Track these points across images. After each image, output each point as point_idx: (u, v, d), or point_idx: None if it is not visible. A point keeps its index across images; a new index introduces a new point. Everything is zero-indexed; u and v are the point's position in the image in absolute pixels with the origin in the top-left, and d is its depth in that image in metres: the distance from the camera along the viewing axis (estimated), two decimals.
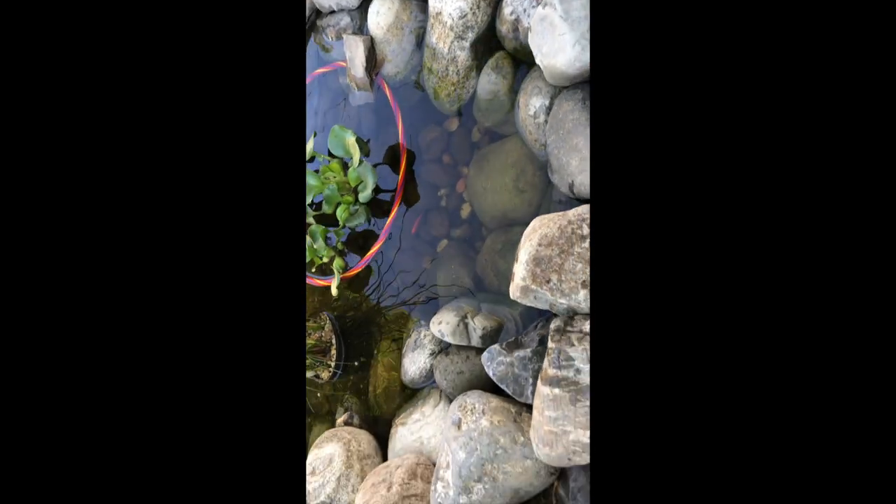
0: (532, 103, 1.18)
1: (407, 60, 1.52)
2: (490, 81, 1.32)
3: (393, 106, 1.55)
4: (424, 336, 1.44)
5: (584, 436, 0.88)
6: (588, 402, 0.88)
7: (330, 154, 1.67)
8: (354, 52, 1.52)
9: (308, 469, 1.48)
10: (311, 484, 1.44)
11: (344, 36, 1.58)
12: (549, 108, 1.14)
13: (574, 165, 1.03)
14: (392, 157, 1.61)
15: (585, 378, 0.89)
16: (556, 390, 0.91)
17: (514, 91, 1.30)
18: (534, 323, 1.23)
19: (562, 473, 1.08)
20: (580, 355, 0.90)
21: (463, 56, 1.33)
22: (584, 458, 0.90)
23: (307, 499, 1.41)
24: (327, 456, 1.47)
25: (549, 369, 0.94)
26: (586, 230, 0.97)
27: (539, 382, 0.96)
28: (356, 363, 1.66)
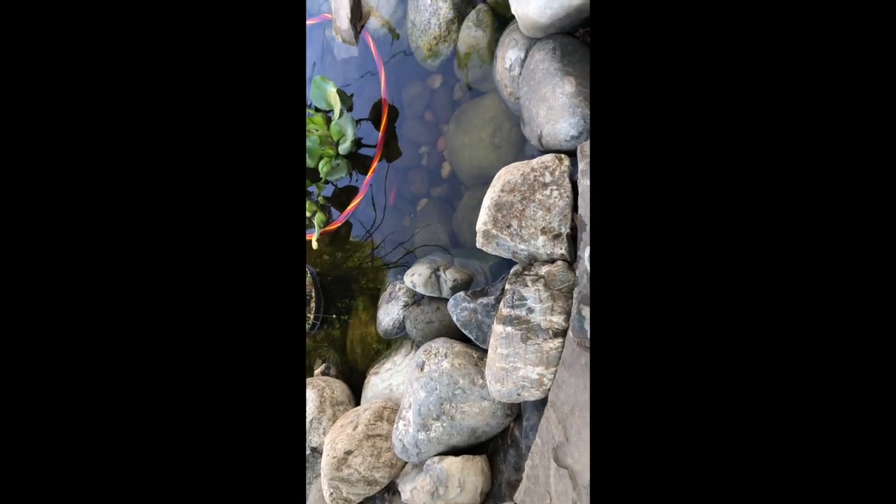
0: (508, 56, 1.18)
1: (392, 13, 1.52)
2: (471, 35, 1.32)
3: (376, 60, 1.55)
4: (399, 289, 1.48)
5: (533, 372, 0.91)
6: (539, 341, 0.92)
7: (317, 110, 1.68)
8: (340, 3, 1.51)
9: None
10: None
11: None
12: (523, 61, 1.15)
13: (542, 116, 1.04)
14: (375, 113, 1.62)
15: (537, 317, 0.92)
16: (509, 328, 0.94)
17: (493, 45, 1.31)
18: (502, 275, 1.26)
19: (518, 416, 1.12)
20: (533, 295, 0.93)
21: (445, 8, 1.33)
22: (533, 394, 0.94)
23: None
24: None
25: (503, 309, 0.97)
26: (549, 178, 0.99)
27: (494, 322, 0.99)
28: (333, 316, 1.70)
